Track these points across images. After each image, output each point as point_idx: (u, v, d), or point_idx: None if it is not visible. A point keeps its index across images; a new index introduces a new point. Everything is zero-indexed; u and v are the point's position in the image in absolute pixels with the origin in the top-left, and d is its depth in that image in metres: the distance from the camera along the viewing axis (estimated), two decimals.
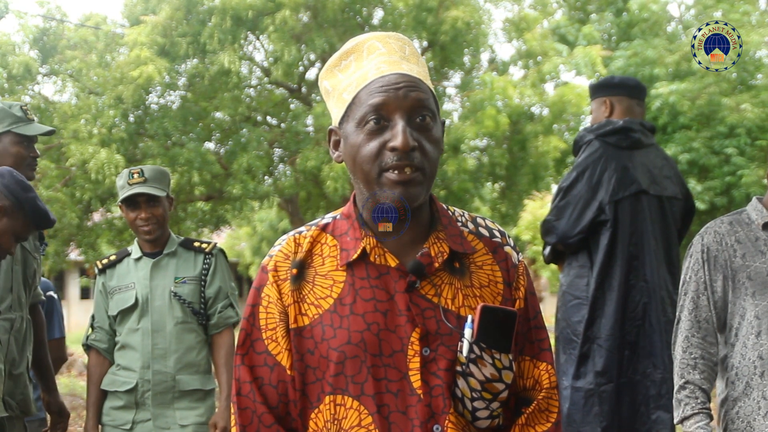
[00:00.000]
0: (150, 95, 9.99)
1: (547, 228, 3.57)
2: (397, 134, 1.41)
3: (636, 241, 3.48)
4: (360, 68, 1.49)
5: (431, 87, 1.52)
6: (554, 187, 11.84)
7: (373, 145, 1.44)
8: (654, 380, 3.45)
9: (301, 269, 1.51)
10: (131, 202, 3.25)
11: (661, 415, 3.43)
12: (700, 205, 9.59)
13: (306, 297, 1.49)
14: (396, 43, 1.52)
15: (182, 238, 3.44)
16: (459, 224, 1.56)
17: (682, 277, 2.54)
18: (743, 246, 2.44)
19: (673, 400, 2.47)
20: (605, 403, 3.38)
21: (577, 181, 3.48)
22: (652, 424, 3.43)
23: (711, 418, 2.41)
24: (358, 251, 1.48)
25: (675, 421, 2.46)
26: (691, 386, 2.42)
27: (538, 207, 14.43)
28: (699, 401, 2.40)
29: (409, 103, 1.44)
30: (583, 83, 10.57)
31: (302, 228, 1.58)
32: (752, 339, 2.40)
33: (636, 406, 3.44)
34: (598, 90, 3.75)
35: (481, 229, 1.58)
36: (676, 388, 2.45)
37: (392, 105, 1.43)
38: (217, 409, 3.32)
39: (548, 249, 3.67)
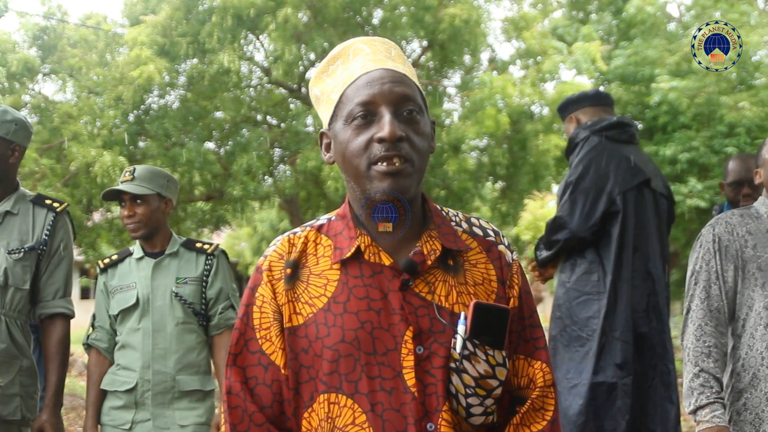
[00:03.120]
0: (150, 95, 9.98)
1: (558, 224, 3.50)
2: (384, 125, 1.43)
3: (639, 232, 3.46)
4: (347, 70, 1.52)
5: (418, 85, 1.53)
6: (555, 187, 11.82)
7: (361, 139, 1.46)
8: (660, 372, 3.43)
9: (296, 269, 1.52)
10: (120, 199, 3.30)
11: (668, 406, 3.42)
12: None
13: (300, 296, 1.50)
14: (381, 45, 1.55)
15: (184, 238, 3.45)
16: (453, 224, 1.58)
17: (691, 267, 2.53)
18: (754, 237, 2.46)
19: (685, 389, 2.44)
20: (627, 396, 3.34)
21: (585, 175, 3.43)
22: (660, 416, 3.42)
23: (725, 408, 2.39)
24: (353, 249, 1.49)
25: (688, 409, 2.43)
26: (705, 375, 2.39)
27: (538, 207, 14.42)
28: (714, 390, 2.38)
29: (394, 97, 1.46)
30: (584, 81, 10.56)
31: (297, 229, 1.60)
32: (761, 330, 2.40)
33: (644, 399, 3.42)
34: (563, 110, 3.75)
35: (474, 228, 1.59)
36: (689, 376, 2.43)
37: (378, 99, 1.45)
38: (217, 410, 3.33)
39: (543, 251, 3.63)
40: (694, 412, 2.41)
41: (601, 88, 10.99)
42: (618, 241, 3.40)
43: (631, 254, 3.43)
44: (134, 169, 3.30)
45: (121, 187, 3.26)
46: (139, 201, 3.27)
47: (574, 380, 3.41)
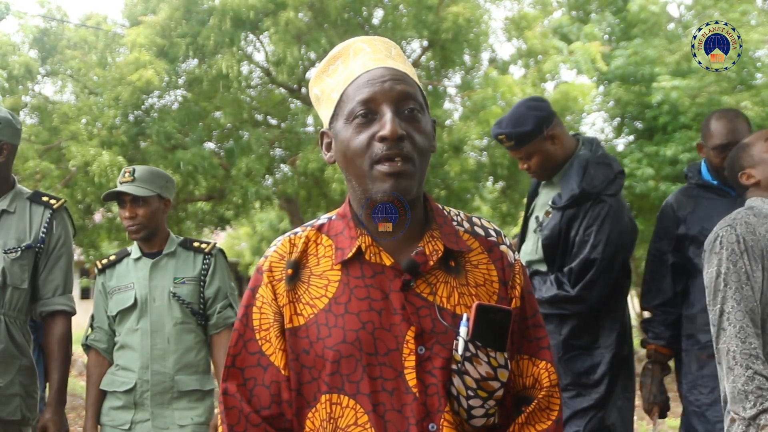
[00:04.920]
0: (149, 97, 9.97)
1: (576, 300, 3.21)
2: (386, 123, 1.43)
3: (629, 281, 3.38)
4: (347, 69, 1.51)
5: (419, 85, 1.53)
6: None
7: (362, 137, 1.45)
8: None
9: (296, 269, 1.52)
10: (120, 200, 3.28)
11: None
12: None
13: (301, 297, 1.50)
14: (382, 45, 1.55)
15: (182, 238, 3.45)
16: (455, 223, 1.57)
17: (715, 268, 2.47)
18: None
19: (735, 392, 2.36)
20: None
21: (606, 250, 3.18)
22: None
23: None
24: (354, 249, 1.48)
25: (745, 414, 2.33)
26: (761, 377, 2.32)
27: None
28: None
29: (395, 95, 1.45)
30: (585, 81, 10.54)
31: (298, 229, 1.59)
32: None
33: None
34: (532, 133, 3.25)
35: (476, 228, 1.58)
36: (741, 379, 2.34)
37: (379, 97, 1.45)
38: (216, 410, 3.33)
39: (546, 289, 3.28)
40: (755, 417, 2.32)
41: (601, 88, 11.00)
42: (624, 301, 3.27)
43: (625, 306, 3.32)
44: (134, 170, 3.29)
45: (123, 188, 3.24)
46: (140, 202, 3.26)
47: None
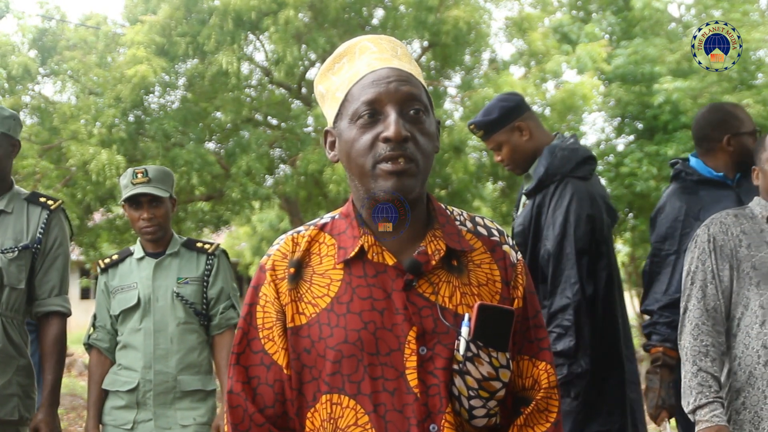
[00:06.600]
0: (149, 95, 9.97)
1: (563, 308, 3.07)
2: (390, 125, 1.43)
3: (615, 266, 3.26)
4: (352, 68, 1.51)
5: (424, 84, 1.53)
6: None
7: (366, 138, 1.45)
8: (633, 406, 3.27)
9: (299, 268, 1.52)
10: (134, 201, 3.27)
11: None
12: None
13: (303, 296, 1.50)
14: (388, 44, 1.55)
15: (185, 238, 3.45)
16: (457, 223, 1.57)
17: (687, 267, 2.55)
18: (748, 237, 2.49)
19: (683, 388, 2.46)
20: None
21: (578, 230, 3.10)
22: None
23: (724, 407, 2.40)
24: (356, 249, 1.48)
25: (687, 409, 2.43)
26: (704, 374, 2.41)
27: None
28: (712, 390, 2.39)
29: (400, 96, 1.46)
30: (590, 79, 10.52)
31: (301, 228, 1.59)
32: (756, 328, 2.43)
33: None
34: (498, 122, 3.32)
35: (479, 227, 1.58)
36: (687, 375, 2.44)
37: (384, 98, 1.45)
38: (218, 410, 3.33)
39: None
40: (693, 411, 2.41)
41: (602, 88, 10.99)
42: (607, 280, 3.15)
43: (618, 292, 3.21)
44: (146, 170, 3.28)
45: (141, 189, 3.23)
46: (155, 203, 3.26)
47: None
